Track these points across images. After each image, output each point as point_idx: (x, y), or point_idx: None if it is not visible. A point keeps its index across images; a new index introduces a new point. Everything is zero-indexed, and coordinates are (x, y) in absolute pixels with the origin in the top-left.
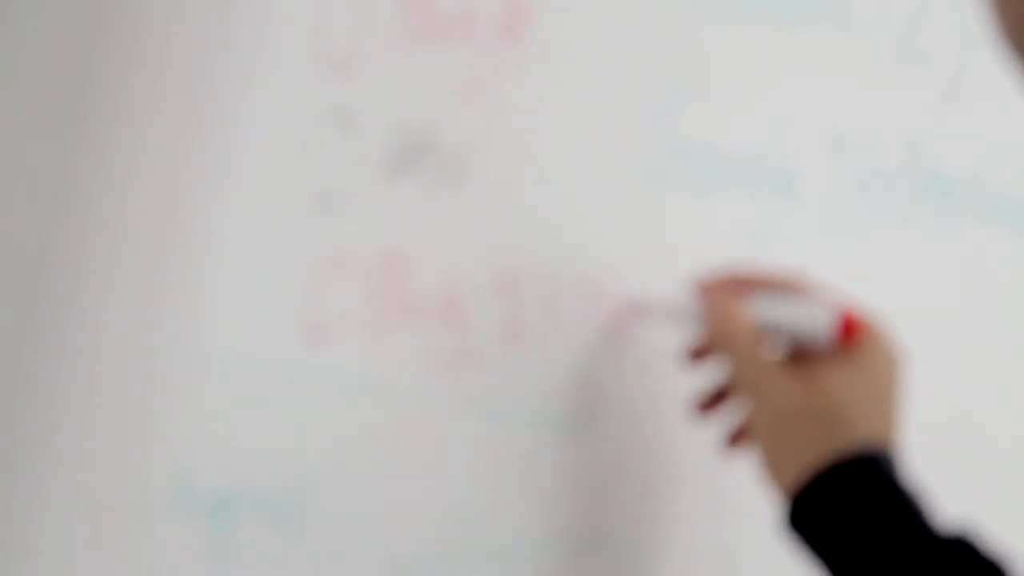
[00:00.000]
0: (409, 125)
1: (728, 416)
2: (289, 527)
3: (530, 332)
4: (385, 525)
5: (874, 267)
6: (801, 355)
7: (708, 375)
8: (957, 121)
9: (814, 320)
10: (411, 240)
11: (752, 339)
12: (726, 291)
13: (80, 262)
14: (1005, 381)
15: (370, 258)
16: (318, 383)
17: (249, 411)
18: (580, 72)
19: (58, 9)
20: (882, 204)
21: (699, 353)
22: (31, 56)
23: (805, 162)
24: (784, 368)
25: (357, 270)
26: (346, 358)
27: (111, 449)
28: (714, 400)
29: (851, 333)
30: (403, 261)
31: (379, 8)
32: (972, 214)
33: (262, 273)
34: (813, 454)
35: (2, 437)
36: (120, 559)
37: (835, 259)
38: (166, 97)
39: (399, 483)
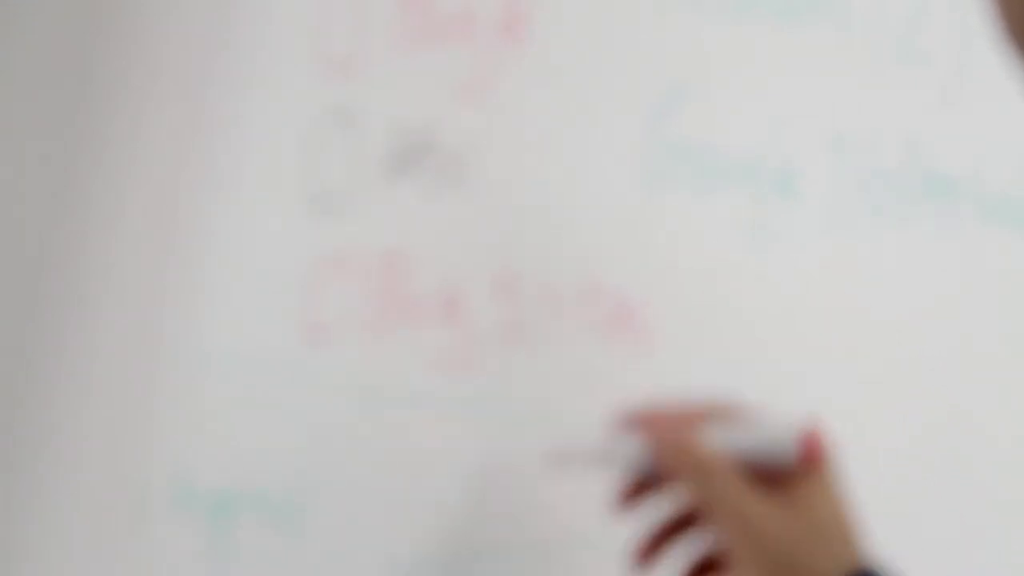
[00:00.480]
0: (409, 125)
1: (686, 546)
2: (289, 527)
3: (530, 332)
4: (385, 525)
5: (874, 267)
6: (763, 479)
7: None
8: (957, 121)
9: (778, 442)
10: (411, 240)
11: (723, 466)
12: (672, 421)
13: (80, 262)
14: (1005, 381)
15: (370, 258)
16: (318, 383)
17: (249, 411)
18: (580, 72)
19: (58, 9)
20: (882, 204)
21: (636, 493)
22: (31, 56)
23: (805, 162)
24: (762, 494)
25: (357, 270)
26: (346, 358)
27: (111, 449)
28: (666, 535)
29: (814, 450)
30: (403, 261)
31: (379, 8)
32: (972, 214)
33: (262, 273)
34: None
35: (2, 437)
36: (120, 559)
37: (835, 259)
38: (166, 97)
39: (399, 483)
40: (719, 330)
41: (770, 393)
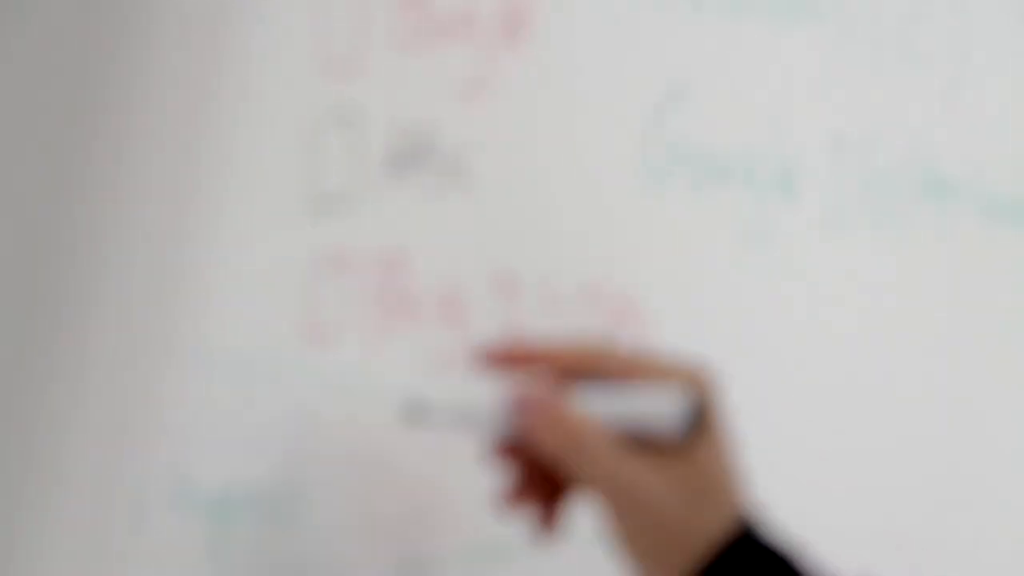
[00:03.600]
0: (409, 125)
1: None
2: (289, 527)
3: (530, 332)
4: (385, 525)
5: (874, 267)
6: (642, 438)
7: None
8: (957, 121)
9: (660, 404)
10: (411, 240)
11: (595, 435)
12: (544, 379)
13: (80, 262)
14: (1005, 381)
15: (370, 258)
16: (318, 383)
17: (249, 411)
18: (580, 72)
19: (58, 9)
20: (882, 204)
21: (510, 450)
22: (31, 56)
23: (805, 162)
24: (644, 463)
25: (357, 270)
26: (346, 358)
27: (111, 449)
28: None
29: (697, 417)
30: (403, 261)
31: (379, 8)
32: (972, 214)
33: (263, 273)
34: (701, 542)
35: (2, 437)
36: (120, 559)
37: (835, 259)
38: (166, 97)
39: (399, 483)
40: (719, 330)
41: (769, 393)
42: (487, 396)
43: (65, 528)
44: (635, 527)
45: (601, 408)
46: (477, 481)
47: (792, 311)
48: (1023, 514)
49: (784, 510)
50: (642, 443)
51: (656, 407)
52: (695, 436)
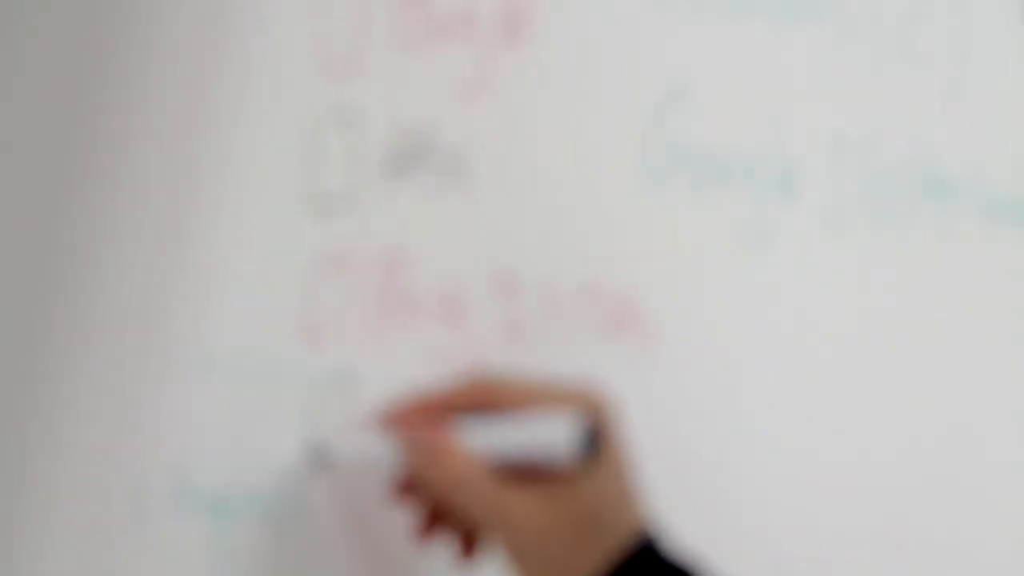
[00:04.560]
0: (409, 125)
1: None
2: (289, 527)
3: (530, 332)
4: (385, 525)
5: (874, 267)
6: (531, 469)
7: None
8: (957, 121)
9: (549, 444)
10: (411, 240)
11: (473, 470)
12: (428, 423)
13: (80, 262)
14: (1006, 381)
15: (370, 258)
16: (318, 383)
17: (249, 411)
18: (580, 72)
19: (58, 9)
20: (882, 204)
21: (407, 489)
22: (31, 56)
23: (805, 162)
24: (525, 493)
25: (357, 270)
26: (346, 358)
27: (111, 449)
28: (434, 522)
29: (591, 442)
30: (403, 261)
31: (379, 8)
32: (972, 214)
33: (262, 273)
34: (587, 569)
35: (2, 437)
36: (120, 559)
37: (835, 259)
38: (166, 97)
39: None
40: (719, 330)
41: (770, 393)
42: (382, 441)
43: (65, 528)
44: (522, 558)
45: (490, 441)
46: None
47: (792, 311)
48: (1023, 514)
49: (784, 510)
50: (534, 473)
51: (546, 436)
52: (589, 460)
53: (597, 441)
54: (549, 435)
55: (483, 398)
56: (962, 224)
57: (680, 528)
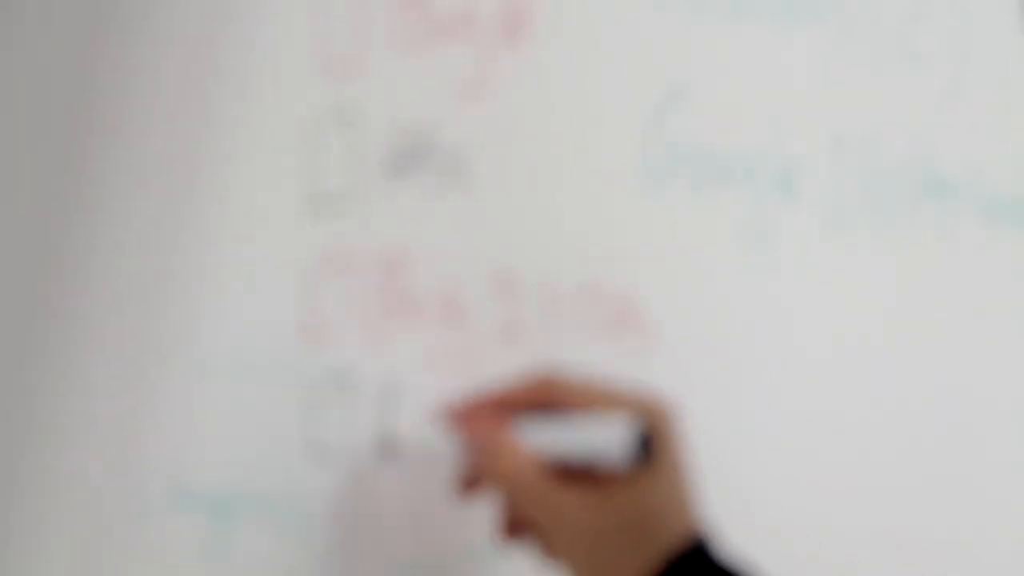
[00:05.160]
0: (409, 125)
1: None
2: (289, 527)
3: (530, 332)
4: (384, 525)
5: (874, 267)
6: (588, 472)
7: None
8: (957, 121)
9: (605, 446)
10: (411, 240)
11: (530, 468)
12: (489, 420)
13: (80, 263)
14: (1005, 381)
15: (370, 258)
16: (318, 383)
17: (249, 411)
18: (580, 72)
19: (58, 9)
20: (882, 204)
21: (470, 485)
22: (31, 57)
23: (805, 162)
24: (579, 494)
25: (357, 270)
26: (346, 358)
27: (111, 449)
28: (514, 528)
29: (646, 448)
30: (403, 261)
31: (379, 8)
32: (972, 214)
33: (262, 273)
34: (636, 570)
35: (2, 437)
36: (120, 559)
37: (835, 259)
38: (166, 97)
39: (399, 483)
40: (719, 330)
41: (770, 393)
42: (446, 436)
43: (65, 528)
44: (572, 556)
45: (546, 440)
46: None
47: (792, 311)
48: (1022, 514)
49: (784, 510)
50: (589, 474)
51: (600, 438)
52: (643, 466)
53: (651, 447)
54: (605, 438)
55: (545, 396)
56: (962, 224)
57: None
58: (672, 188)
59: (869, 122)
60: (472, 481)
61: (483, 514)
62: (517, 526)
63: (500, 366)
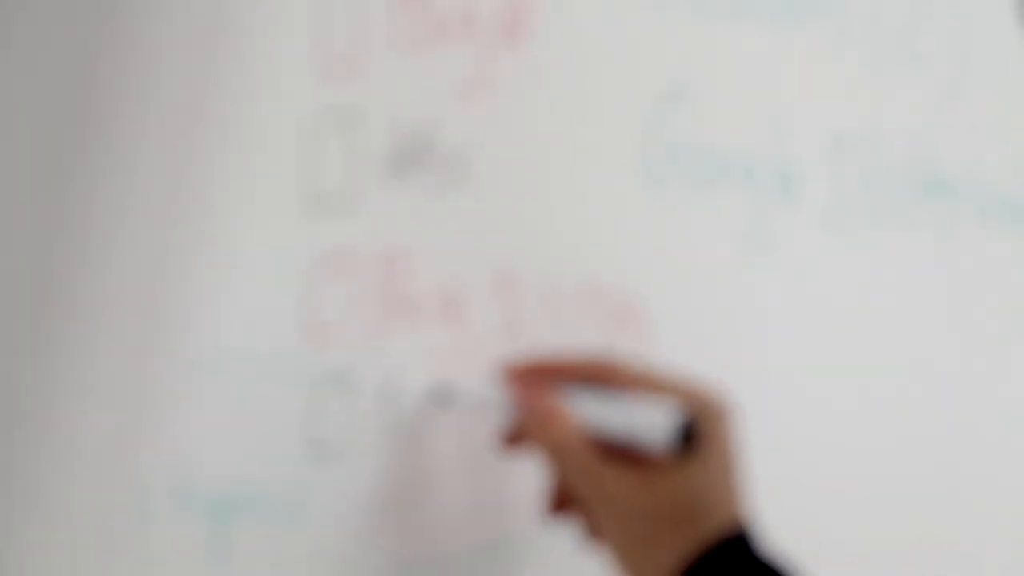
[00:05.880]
0: (409, 125)
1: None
2: (289, 527)
3: (530, 332)
4: (385, 525)
5: (874, 267)
6: (633, 453)
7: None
8: (957, 121)
9: (651, 429)
10: (411, 240)
11: (578, 440)
12: (542, 386)
13: (80, 262)
14: (1005, 380)
15: (370, 258)
16: (318, 383)
17: (249, 411)
18: (580, 72)
19: (58, 9)
20: (882, 204)
21: (515, 440)
22: (30, 56)
23: (805, 162)
24: (622, 471)
25: (357, 270)
26: (346, 358)
27: (111, 449)
28: (561, 502)
29: (692, 436)
30: (403, 261)
31: (379, 8)
32: (972, 214)
33: (262, 273)
34: (674, 554)
35: (2, 437)
36: (120, 559)
37: (835, 259)
38: (166, 97)
39: (399, 483)
40: (719, 330)
41: (770, 393)
42: (499, 393)
43: (65, 528)
44: (612, 531)
45: (595, 415)
46: (476, 481)
47: (792, 311)
48: (1022, 514)
49: (784, 510)
50: (632, 455)
51: (645, 420)
52: (687, 453)
53: (697, 435)
54: (650, 420)
55: (599, 373)
56: (962, 224)
57: None
58: (672, 188)
59: (869, 122)
60: (517, 438)
61: (482, 515)
62: (563, 503)
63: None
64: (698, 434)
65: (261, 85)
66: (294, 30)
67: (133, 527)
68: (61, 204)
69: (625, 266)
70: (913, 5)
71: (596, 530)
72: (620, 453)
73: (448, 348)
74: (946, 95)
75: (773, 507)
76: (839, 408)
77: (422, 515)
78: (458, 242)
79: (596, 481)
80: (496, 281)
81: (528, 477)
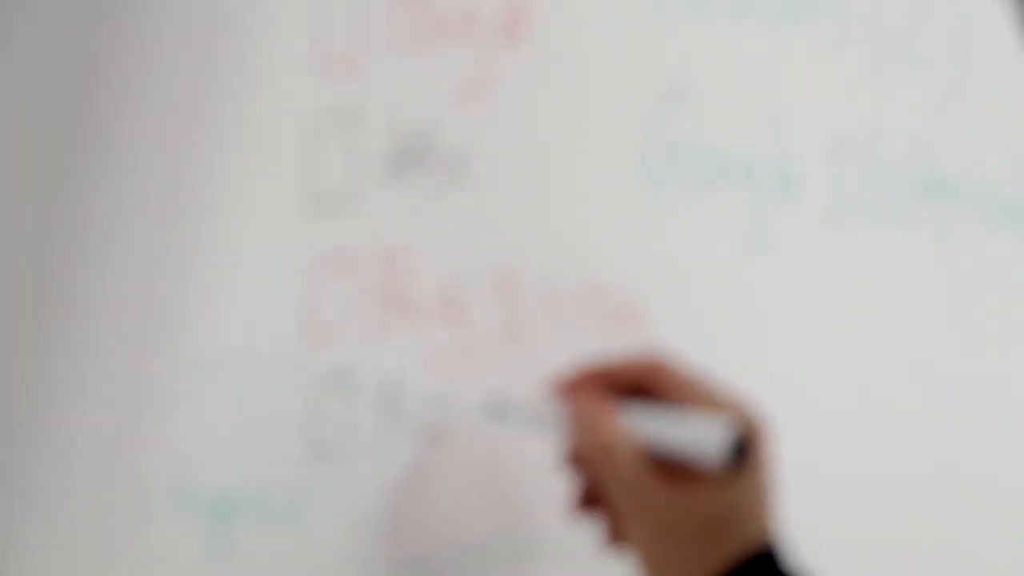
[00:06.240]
0: (409, 125)
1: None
2: (289, 527)
3: (530, 332)
4: (385, 525)
5: (874, 267)
6: (678, 466)
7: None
8: (957, 121)
9: (700, 443)
10: (411, 240)
11: (627, 450)
12: (595, 395)
13: (80, 262)
14: (1005, 380)
15: (370, 258)
16: (318, 383)
17: (249, 411)
18: (580, 72)
19: (58, 9)
20: (882, 204)
21: (575, 460)
22: (31, 56)
23: (805, 162)
24: (664, 483)
25: (357, 270)
26: (346, 358)
27: (111, 449)
28: (591, 501)
29: (741, 452)
30: (403, 261)
31: (379, 8)
32: (972, 214)
33: (262, 273)
34: (705, 566)
35: (2, 437)
36: (120, 559)
37: (835, 259)
38: (166, 97)
39: (399, 483)
40: (719, 330)
41: (770, 393)
42: (553, 405)
43: (65, 527)
44: (647, 544)
45: (647, 427)
46: (477, 481)
47: (792, 311)
48: (1022, 514)
49: (784, 510)
50: (678, 467)
51: (700, 436)
52: (733, 471)
53: (744, 453)
54: (703, 436)
55: (650, 380)
56: (962, 224)
57: None
58: (672, 188)
59: (869, 122)
60: (573, 454)
61: (482, 515)
62: (590, 503)
63: (500, 366)
64: (747, 451)
65: (261, 85)
66: (294, 30)
67: (133, 527)
68: (61, 204)
69: (625, 266)
70: (913, 5)
71: (620, 534)
72: (666, 463)
73: (448, 348)
74: (946, 95)
75: None
76: (839, 408)
77: (422, 515)
78: (458, 242)
79: (639, 493)
80: (496, 281)
81: (528, 478)
